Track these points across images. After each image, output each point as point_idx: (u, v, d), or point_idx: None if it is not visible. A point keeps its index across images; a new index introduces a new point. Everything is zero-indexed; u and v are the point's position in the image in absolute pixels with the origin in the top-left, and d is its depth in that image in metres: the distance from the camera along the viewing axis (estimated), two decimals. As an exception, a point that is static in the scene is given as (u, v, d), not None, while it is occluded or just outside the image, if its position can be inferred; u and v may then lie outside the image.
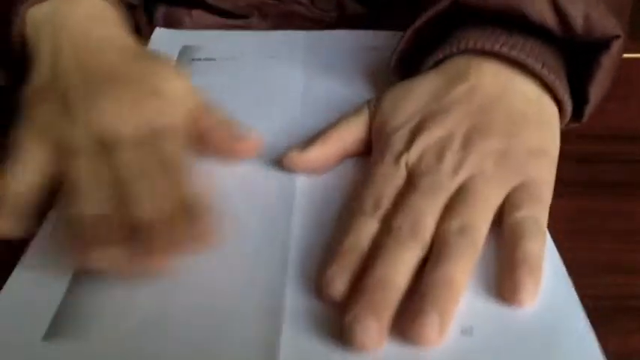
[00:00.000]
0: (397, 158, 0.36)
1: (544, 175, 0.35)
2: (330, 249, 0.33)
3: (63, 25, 0.41)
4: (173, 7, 0.58)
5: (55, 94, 0.38)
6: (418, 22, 0.42)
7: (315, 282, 0.32)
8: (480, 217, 0.33)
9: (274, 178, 0.39)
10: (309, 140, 0.39)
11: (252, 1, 0.59)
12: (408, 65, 0.44)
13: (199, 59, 0.50)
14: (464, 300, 0.30)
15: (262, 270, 0.33)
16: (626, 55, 0.51)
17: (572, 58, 0.41)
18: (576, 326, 0.30)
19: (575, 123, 0.41)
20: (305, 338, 0.30)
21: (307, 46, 0.54)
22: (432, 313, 0.29)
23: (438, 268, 0.30)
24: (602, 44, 0.39)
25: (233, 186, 0.38)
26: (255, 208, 0.37)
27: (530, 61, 0.38)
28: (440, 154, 0.35)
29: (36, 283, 0.33)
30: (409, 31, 0.42)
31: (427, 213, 0.33)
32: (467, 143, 0.35)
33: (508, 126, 0.36)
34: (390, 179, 0.35)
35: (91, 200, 0.33)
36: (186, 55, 0.50)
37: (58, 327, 0.31)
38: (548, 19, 0.38)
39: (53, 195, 0.36)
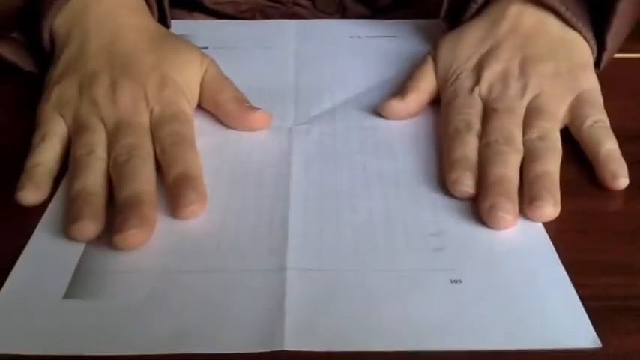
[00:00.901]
0: (470, 91, 0.43)
1: (592, 83, 0.43)
2: (444, 162, 0.39)
3: (93, 11, 0.46)
4: (174, 10, 0.58)
5: (77, 74, 0.43)
6: None
7: (445, 183, 0.38)
8: (551, 126, 0.40)
9: (271, 151, 0.42)
10: (393, 94, 0.45)
11: (254, 4, 0.59)
12: (455, 16, 0.50)
13: None
14: (451, 256, 0.34)
15: (265, 228, 0.36)
16: (626, 55, 0.51)
17: (594, 8, 0.46)
18: (554, 273, 0.33)
19: (595, 68, 0.46)
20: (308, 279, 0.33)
21: (299, 35, 0.55)
22: (544, 193, 0.36)
23: (534, 167, 0.37)
24: None
25: (232, 156, 0.42)
26: (254, 171, 0.40)
27: (557, 5, 0.44)
28: (505, 83, 0.42)
29: (54, 245, 0.35)
30: None
31: (513, 127, 0.40)
32: (524, 70, 0.43)
33: (552, 50, 0.44)
34: (472, 107, 0.42)
35: (83, 177, 0.37)
36: None
37: (77, 286, 0.32)
38: None
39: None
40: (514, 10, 0.46)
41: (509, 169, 0.37)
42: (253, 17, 0.60)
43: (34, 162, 0.38)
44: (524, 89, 0.42)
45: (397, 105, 0.44)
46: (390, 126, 0.44)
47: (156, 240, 0.35)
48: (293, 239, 0.35)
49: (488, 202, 0.35)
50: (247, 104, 0.44)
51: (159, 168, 0.38)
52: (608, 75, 0.45)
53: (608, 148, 0.39)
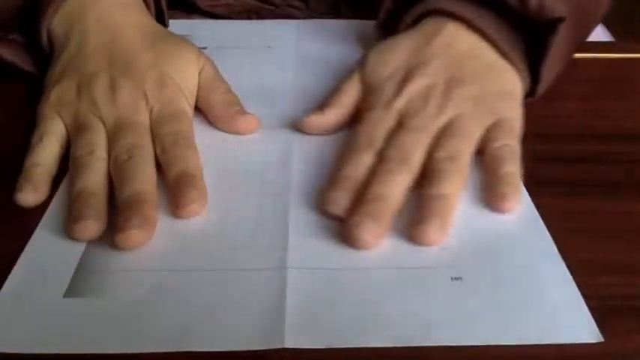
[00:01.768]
0: (388, 104, 0.41)
1: (513, 112, 0.42)
2: (330, 179, 0.38)
3: (91, 10, 0.46)
4: (170, 11, 0.58)
5: (76, 73, 0.43)
6: None
7: (317, 204, 0.37)
8: (464, 147, 0.38)
9: (271, 151, 0.42)
10: (316, 107, 0.44)
11: (248, 5, 0.60)
12: (391, 25, 0.49)
13: None
14: (451, 254, 0.34)
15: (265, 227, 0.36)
16: (626, 55, 0.51)
17: (530, 40, 0.45)
18: (555, 270, 0.33)
19: (529, 98, 0.45)
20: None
21: (298, 35, 0.55)
22: (433, 218, 0.34)
23: (433, 187, 0.36)
24: (550, 25, 0.43)
25: (232, 156, 0.42)
26: (254, 171, 0.40)
27: (490, 32, 0.44)
28: (425, 99, 0.41)
29: (55, 244, 0.35)
30: None
31: (415, 146, 0.38)
32: (447, 90, 0.41)
33: (480, 74, 0.43)
34: (382, 121, 0.40)
35: (84, 177, 0.37)
36: None
37: (78, 285, 0.32)
38: None
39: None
40: (450, 29, 0.45)
41: (391, 187, 0.36)
42: (248, 18, 0.60)
43: (32, 162, 0.38)
44: (442, 108, 0.40)
45: (316, 119, 0.43)
46: None
47: (156, 239, 0.35)
48: (293, 238, 0.35)
49: (355, 219, 0.34)
50: (237, 108, 0.44)
51: (159, 167, 0.38)
52: (609, 75, 0.46)
53: (507, 170, 0.37)
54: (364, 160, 0.38)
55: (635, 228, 0.36)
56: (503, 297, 0.32)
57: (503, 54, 0.44)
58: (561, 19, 0.43)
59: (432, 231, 0.34)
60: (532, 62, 0.44)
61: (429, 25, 0.46)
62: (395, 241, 0.35)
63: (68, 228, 0.35)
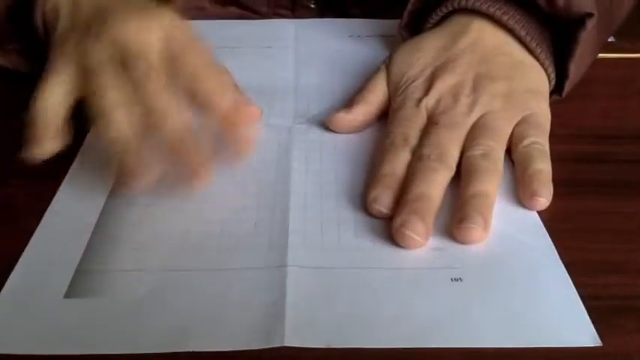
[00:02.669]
0: (417, 103, 0.41)
1: (542, 109, 0.42)
2: (370, 178, 0.38)
3: None
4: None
5: (77, 28, 0.40)
6: None
7: (364, 201, 0.37)
8: (497, 144, 0.39)
9: (271, 150, 0.42)
10: (343, 106, 0.44)
11: (235, 14, 0.60)
12: (415, 26, 0.49)
13: None
14: (451, 255, 0.34)
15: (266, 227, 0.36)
16: (626, 55, 0.51)
17: (557, 37, 0.45)
18: (554, 272, 0.33)
19: (556, 95, 0.45)
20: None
21: (299, 35, 0.55)
22: (476, 215, 0.35)
23: (472, 185, 0.36)
24: (579, 21, 0.43)
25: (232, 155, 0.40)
26: (254, 170, 0.40)
27: (517, 28, 0.44)
28: (455, 98, 0.41)
29: (55, 245, 0.34)
30: None
31: (450, 143, 0.39)
32: (476, 87, 0.42)
33: (508, 71, 0.43)
34: (414, 120, 0.40)
35: (119, 121, 0.35)
36: None
37: (78, 286, 0.32)
38: None
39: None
40: (476, 26, 0.45)
41: (432, 187, 0.36)
42: None
43: (42, 113, 0.36)
44: (472, 106, 0.41)
45: (344, 117, 0.43)
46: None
47: (156, 238, 0.35)
48: (293, 237, 0.35)
49: (401, 218, 0.34)
50: None
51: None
52: (609, 75, 0.46)
53: (537, 167, 0.38)
54: (402, 158, 0.38)
55: (635, 228, 0.36)
56: (502, 298, 0.32)
57: (530, 51, 0.44)
58: (590, 14, 0.43)
59: (476, 229, 0.34)
60: (559, 60, 0.44)
61: (455, 23, 0.46)
62: (395, 240, 0.35)
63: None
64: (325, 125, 0.44)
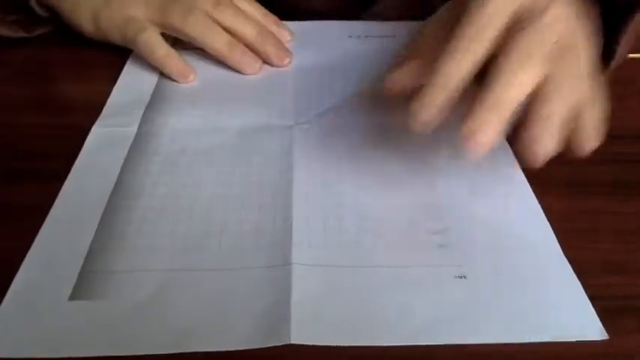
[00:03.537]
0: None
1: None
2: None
3: None
4: None
5: None
6: None
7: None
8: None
9: (272, 150, 0.42)
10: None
11: None
12: None
13: (190, 49, 0.51)
14: (455, 253, 0.34)
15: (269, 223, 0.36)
16: (626, 56, 0.51)
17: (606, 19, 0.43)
18: (558, 268, 0.33)
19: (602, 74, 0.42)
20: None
21: (299, 35, 0.55)
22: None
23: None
24: (630, 6, 0.42)
25: (234, 155, 0.41)
26: (256, 170, 0.40)
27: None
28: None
29: (59, 247, 0.34)
30: None
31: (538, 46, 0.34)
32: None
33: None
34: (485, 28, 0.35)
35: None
36: (177, 46, 0.51)
37: (82, 288, 0.32)
38: None
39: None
40: None
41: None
42: None
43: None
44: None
45: (397, 76, 0.39)
46: (391, 124, 0.45)
47: (159, 239, 0.35)
48: (297, 235, 0.35)
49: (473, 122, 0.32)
50: None
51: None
52: (608, 75, 0.46)
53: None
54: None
55: (636, 228, 0.37)
56: (507, 295, 0.32)
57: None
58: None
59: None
60: (606, 41, 0.43)
61: None
62: (398, 238, 0.35)
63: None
64: (325, 125, 0.44)
